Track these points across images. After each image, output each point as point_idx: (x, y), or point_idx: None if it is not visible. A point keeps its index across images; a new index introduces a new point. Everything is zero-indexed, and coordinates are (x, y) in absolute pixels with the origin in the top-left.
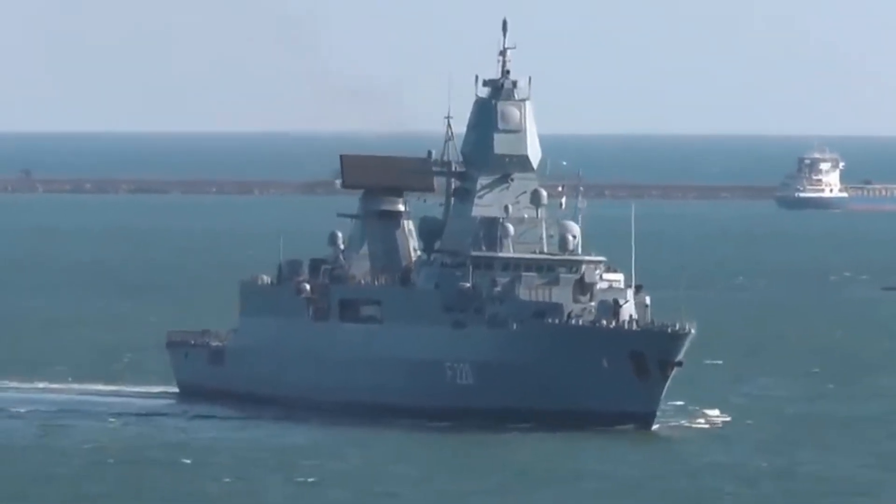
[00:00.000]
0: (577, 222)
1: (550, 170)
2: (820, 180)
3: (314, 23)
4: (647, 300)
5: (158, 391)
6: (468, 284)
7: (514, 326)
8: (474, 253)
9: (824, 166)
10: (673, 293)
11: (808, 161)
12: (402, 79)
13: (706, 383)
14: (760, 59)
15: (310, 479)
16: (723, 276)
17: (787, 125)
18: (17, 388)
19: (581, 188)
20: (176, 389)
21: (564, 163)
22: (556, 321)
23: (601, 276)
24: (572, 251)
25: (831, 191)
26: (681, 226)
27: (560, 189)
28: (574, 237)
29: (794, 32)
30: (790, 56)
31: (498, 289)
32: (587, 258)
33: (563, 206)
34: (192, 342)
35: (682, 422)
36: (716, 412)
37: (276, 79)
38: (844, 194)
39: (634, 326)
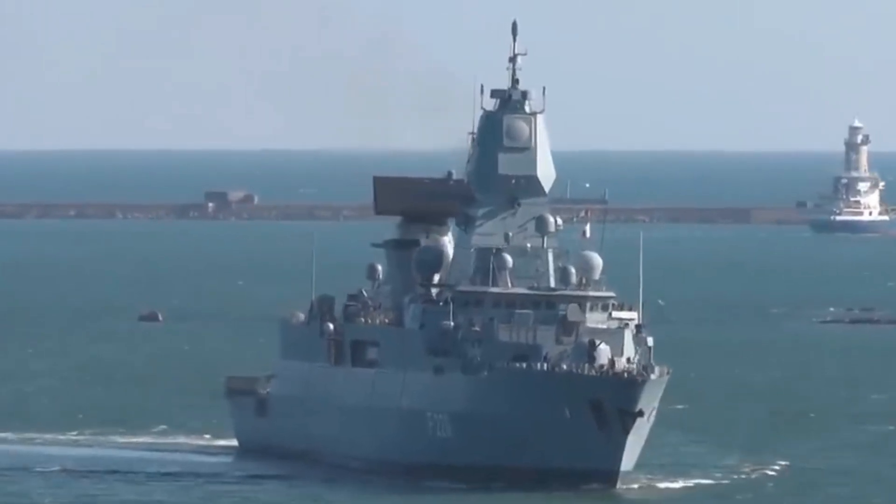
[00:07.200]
0: (600, 253)
1: (571, 192)
2: (858, 202)
3: None
4: (650, 341)
5: (220, 446)
6: (451, 324)
7: (485, 373)
8: (460, 288)
9: (862, 186)
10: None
11: (844, 180)
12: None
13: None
14: (791, 71)
15: None
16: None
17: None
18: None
19: (606, 213)
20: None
21: (587, 184)
22: (524, 366)
23: (611, 315)
24: (575, 286)
25: (870, 213)
26: (702, 253)
27: (583, 215)
28: (589, 270)
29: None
30: (820, 67)
31: (476, 329)
32: (592, 294)
33: (587, 234)
34: (247, 390)
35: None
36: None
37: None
38: (885, 217)
39: (593, 372)
